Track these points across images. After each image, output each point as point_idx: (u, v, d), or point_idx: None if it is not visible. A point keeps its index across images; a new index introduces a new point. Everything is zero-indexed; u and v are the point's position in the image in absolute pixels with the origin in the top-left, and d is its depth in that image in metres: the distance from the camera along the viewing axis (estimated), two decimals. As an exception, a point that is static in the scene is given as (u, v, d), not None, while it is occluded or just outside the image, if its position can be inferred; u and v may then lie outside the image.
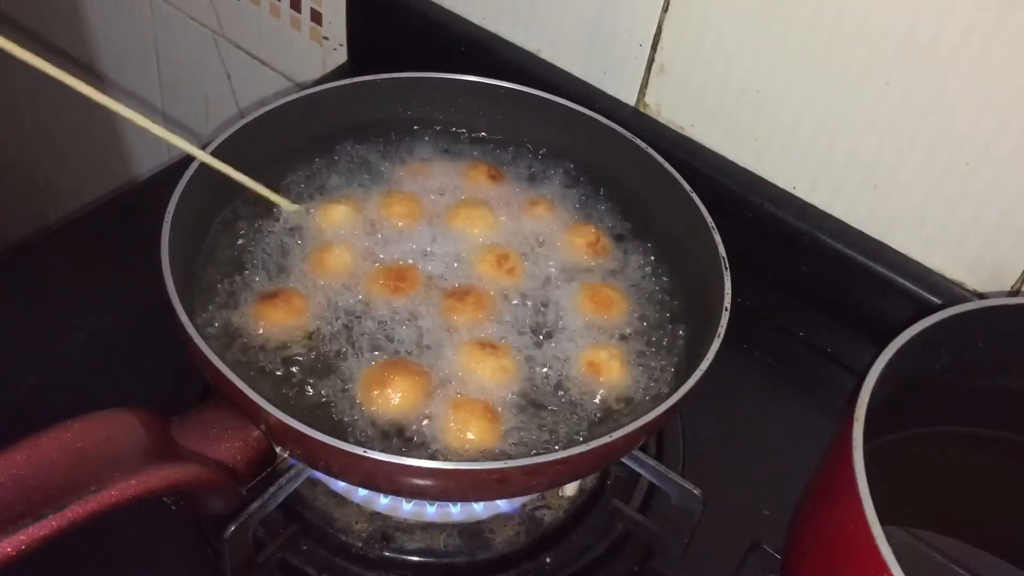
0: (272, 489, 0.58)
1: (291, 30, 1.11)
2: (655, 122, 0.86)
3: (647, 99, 0.86)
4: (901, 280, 0.77)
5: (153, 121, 0.60)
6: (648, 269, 0.73)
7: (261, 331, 0.64)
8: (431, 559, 0.66)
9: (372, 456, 0.53)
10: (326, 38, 1.08)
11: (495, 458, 0.59)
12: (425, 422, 0.60)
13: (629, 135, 0.75)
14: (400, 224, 0.72)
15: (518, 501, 0.68)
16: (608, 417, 0.63)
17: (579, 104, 0.78)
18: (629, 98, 0.87)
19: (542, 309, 0.68)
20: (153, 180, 0.97)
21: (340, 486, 0.67)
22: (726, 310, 0.62)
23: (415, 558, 0.66)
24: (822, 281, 0.82)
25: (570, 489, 0.69)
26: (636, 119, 0.86)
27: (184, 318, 0.57)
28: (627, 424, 0.56)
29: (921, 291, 0.77)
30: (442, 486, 0.56)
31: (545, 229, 0.74)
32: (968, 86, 0.68)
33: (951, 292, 0.76)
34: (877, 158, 0.75)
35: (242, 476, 0.56)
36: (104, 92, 0.57)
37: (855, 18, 0.71)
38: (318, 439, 0.53)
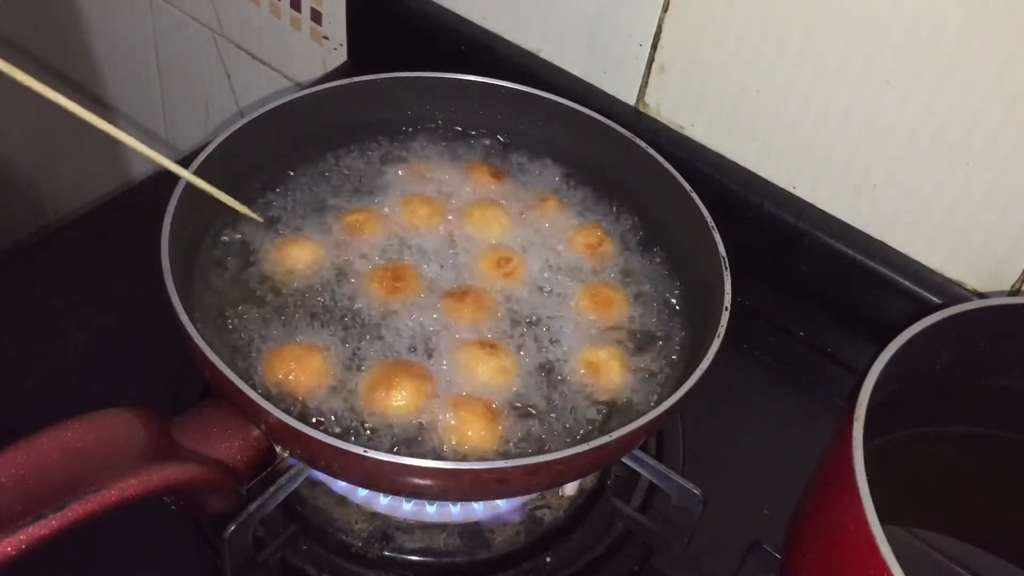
0: (272, 489, 0.58)
1: (291, 30, 1.11)
2: (655, 122, 0.86)
3: (647, 99, 0.86)
4: (901, 280, 0.77)
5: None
6: (648, 269, 0.73)
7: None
8: (431, 559, 0.66)
9: (372, 456, 0.53)
10: (326, 38, 1.08)
11: (495, 458, 0.59)
12: (425, 422, 0.60)
13: (629, 135, 0.75)
14: (420, 226, 0.72)
15: (518, 501, 0.68)
16: (608, 417, 0.63)
17: (579, 104, 0.78)
18: (629, 98, 0.87)
19: (542, 309, 0.68)
20: (153, 180, 0.97)
21: (340, 486, 0.67)
22: (726, 310, 0.62)
23: (415, 558, 0.66)
24: (822, 281, 0.82)
25: (570, 489, 0.69)
26: (636, 119, 0.86)
27: (184, 318, 0.57)
28: (627, 424, 0.56)
29: (921, 291, 0.77)
30: (442, 486, 0.56)
31: (548, 228, 0.74)
32: (968, 86, 0.68)
33: (951, 292, 0.76)
34: (877, 158, 0.75)
35: (242, 476, 0.56)
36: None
37: (855, 18, 0.71)
38: (318, 439, 0.53)
